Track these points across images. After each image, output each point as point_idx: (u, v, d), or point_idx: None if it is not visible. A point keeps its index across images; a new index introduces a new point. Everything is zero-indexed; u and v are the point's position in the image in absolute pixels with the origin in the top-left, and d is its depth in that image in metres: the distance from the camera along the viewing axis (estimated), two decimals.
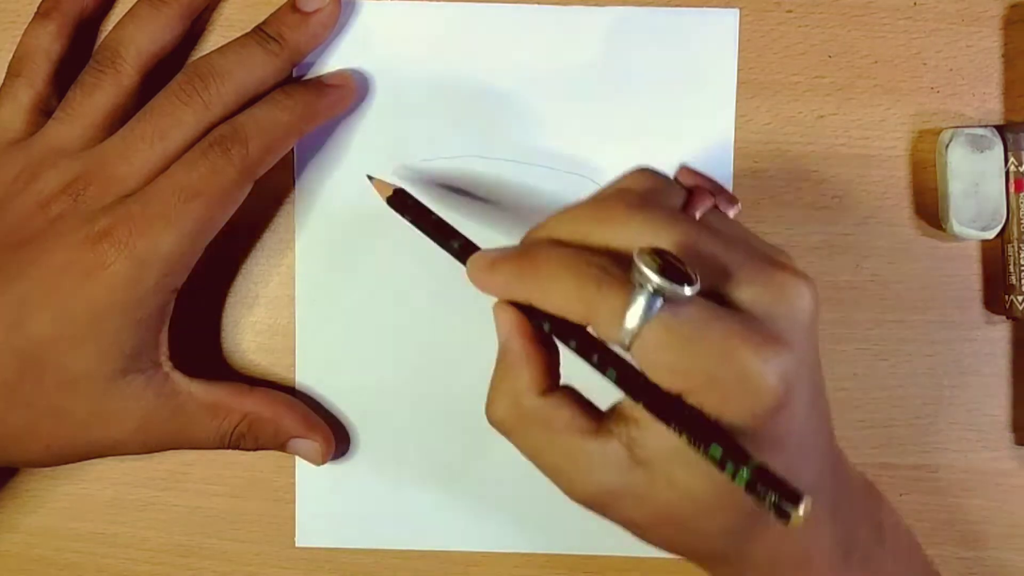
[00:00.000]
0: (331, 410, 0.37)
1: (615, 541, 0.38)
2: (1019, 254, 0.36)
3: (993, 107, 0.37)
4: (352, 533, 0.38)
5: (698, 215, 0.29)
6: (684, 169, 0.31)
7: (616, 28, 0.36)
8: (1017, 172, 0.36)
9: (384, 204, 0.36)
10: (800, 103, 0.37)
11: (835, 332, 0.37)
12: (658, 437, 0.26)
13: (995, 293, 0.37)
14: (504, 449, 0.37)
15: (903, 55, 0.37)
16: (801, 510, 0.23)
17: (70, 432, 0.32)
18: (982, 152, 0.36)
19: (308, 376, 0.37)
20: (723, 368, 0.25)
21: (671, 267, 0.25)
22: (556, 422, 0.28)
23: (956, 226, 0.36)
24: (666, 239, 0.26)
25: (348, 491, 0.37)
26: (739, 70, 0.36)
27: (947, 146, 0.36)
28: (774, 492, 0.23)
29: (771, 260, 0.28)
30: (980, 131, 0.36)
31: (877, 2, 0.36)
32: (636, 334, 0.25)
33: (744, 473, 0.24)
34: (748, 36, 0.36)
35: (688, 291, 0.25)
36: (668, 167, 0.36)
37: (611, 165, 0.36)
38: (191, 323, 0.37)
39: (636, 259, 0.25)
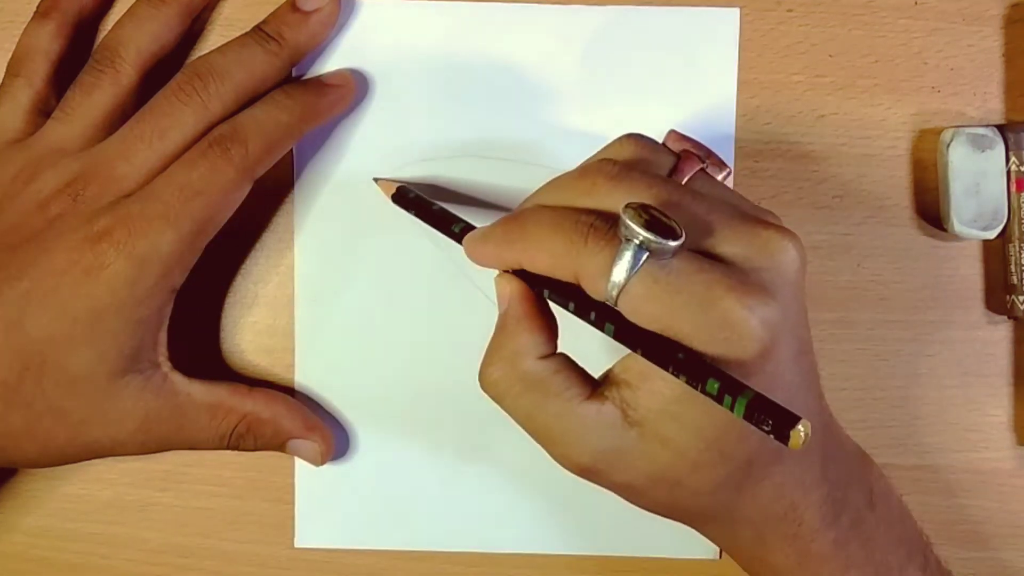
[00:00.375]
0: (331, 410, 0.37)
1: (615, 541, 0.38)
2: (1020, 254, 0.36)
3: (994, 106, 0.37)
4: (352, 533, 0.38)
5: (685, 180, 0.30)
6: (672, 133, 0.32)
7: (616, 28, 0.36)
8: (1018, 171, 0.36)
9: (383, 204, 0.36)
10: (800, 103, 0.37)
11: (835, 332, 0.37)
12: (650, 396, 0.28)
13: (996, 293, 0.37)
14: (504, 449, 0.37)
15: (904, 54, 0.37)
16: (801, 431, 0.23)
17: (69, 432, 0.32)
18: (983, 152, 0.35)
19: (308, 376, 0.37)
20: (708, 316, 0.26)
21: (656, 222, 0.26)
22: (552, 386, 0.29)
23: (957, 226, 0.36)
24: (649, 199, 0.27)
25: (348, 491, 0.37)
26: (739, 70, 0.36)
27: (948, 146, 0.36)
28: (771, 417, 0.24)
29: (756, 218, 0.28)
30: (981, 131, 0.36)
31: (878, 1, 0.36)
32: (623, 287, 0.26)
33: (742, 402, 0.24)
34: (748, 36, 0.36)
35: (673, 244, 0.26)
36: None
37: None
38: (191, 323, 0.37)
39: (622, 214, 0.26)
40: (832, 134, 0.37)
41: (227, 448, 0.34)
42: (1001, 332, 0.37)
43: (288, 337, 0.37)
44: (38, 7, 0.35)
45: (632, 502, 0.30)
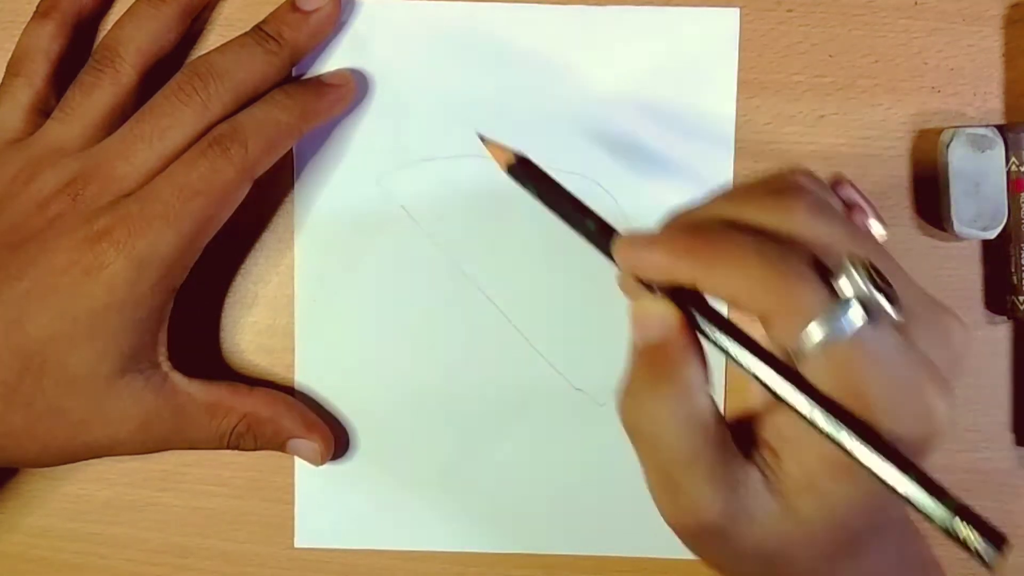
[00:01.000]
0: (331, 410, 0.37)
1: (615, 541, 0.38)
2: (1020, 254, 0.36)
3: (994, 107, 0.37)
4: (352, 533, 0.38)
5: None
6: (841, 180, 0.30)
7: (616, 28, 0.36)
8: (1018, 172, 0.36)
9: (383, 204, 0.36)
10: (800, 103, 0.37)
11: None
12: (797, 467, 0.25)
13: (996, 293, 0.37)
14: (504, 449, 0.37)
15: (904, 54, 0.37)
16: (1006, 552, 0.22)
17: (69, 432, 0.32)
18: (983, 152, 0.35)
19: (308, 376, 0.37)
20: (908, 399, 0.24)
21: (878, 284, 0.24)
22: (711, 430, 0.26)
23: (957, 226, 0.36)
24: (858, 251, 0.25)
25: (348, 491, 0.37)
26: (739, 70, 0.36)
27: (948, 146, 0.36)
28: (980, 530, 0.22)
29: (935, 301, 0.27)
30: (981, 131, 0.36)
31: (878, 1, 0.36)
32: (826, 343, 0.24)
33: (949, 505, 0.22)
34: (748, 35, 0.36)
35: (895, 313, 0.24)
36: (668, 167, 0.36)
37: (611, 165, 0.36)
38: (191, 323, 0.37)
39: (848, 263, 0.24)
40: (832, 134, 0.37)
41: (227, 448, 0.34)
42: (1001, 332, 0.37)
43: (288, 337, 0.37)
44: (38, 7, 0.35)
45: (719, 566, 0.28)
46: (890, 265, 0.26)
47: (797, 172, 0.28)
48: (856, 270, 0.24)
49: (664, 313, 0.26)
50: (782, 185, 0.27)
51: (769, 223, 0.26)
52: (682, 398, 0.26)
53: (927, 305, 0.26)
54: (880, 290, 0.24)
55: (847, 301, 0.24)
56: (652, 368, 0.26)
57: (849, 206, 0.29)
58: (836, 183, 0.30)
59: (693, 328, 0.26)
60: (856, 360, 0.24)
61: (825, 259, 0.25)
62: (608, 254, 0.27)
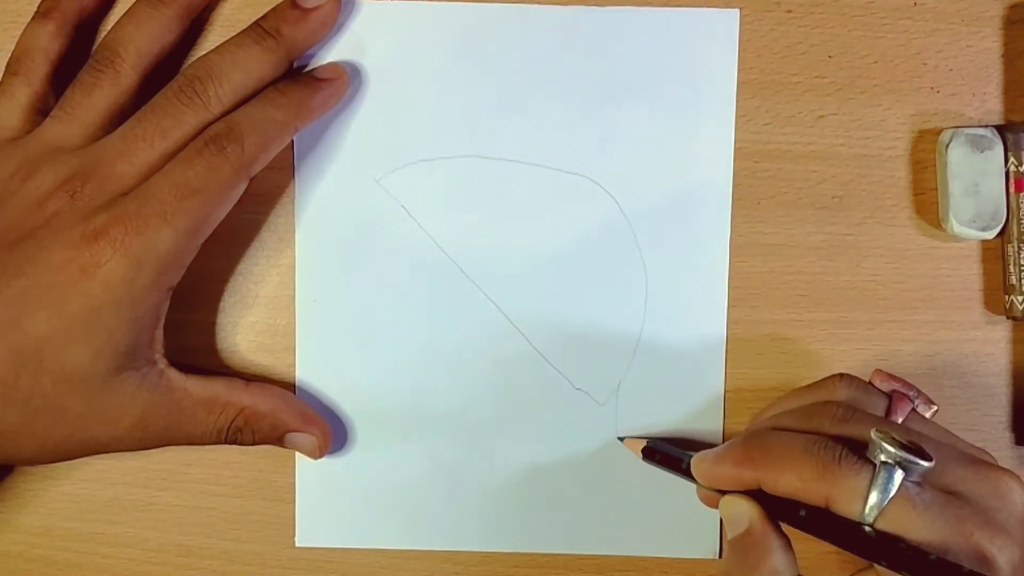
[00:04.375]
0: (331, 410, 0.37)
1: (615, 541, 0.38)
2: (1019, 254, 0.36)
3: (993, 107, 0.37)
4: (353, 533, 0.38)
5: (900, 420, 0.33)
6: (879, 373, 0.34)
7: (616, 28, 0.36)
8: (1017, 172, 0.36)
9: (383, 203, 0.36)
10: (800, 103, 0.37)
11: (835, 332, 0.37)
12: None
13: (995, 293, 0.37)
14: (504, 449, 0.37)
15: (903, 55, 0.37)
16: None
17: (66, 429, 0.32)
18: (982, 152, 0.36)
19: (308, 376, 0.37)
20: (961, 551, 0.27)
21: (905, 445, 0.28)
22: None
23: (956, 226, 0.36)
24: (888, 428, 0.29)
25: (348, 491, 0.37)
26: (739, 70, 0.36)
27: (947, 146, 0.36)
28: None
29: (978, 459, 0.31)
30: (980, 131, 0.36)
31: (877, 2, 0.36)
32: (882, 509, 0.28)
33: None
34: (748, 36, 0.36)
35: (927, 464, 0.28)
36: (668, 167, 0.37)
37: (611, 165, 0.36)
38: (191, 323, 0.37)
39: (874, 436, 0.29)
40: (832, 134, 0.37)
41: (225, 442, 0.34)
42: (1000, 332, 0.37)
43: (288, 337, 0.37)
44: (39, 7, 0.35)
45: None
46: (915, 437, 0.30)
47: (831, 383, 0.34)
48: (883, 439, 0.28)
49: (739, 507, 0.31)
50: (809, 405, 0.33)
51: (810, 428, 0.31)
52: None
53: (970, 463, 0.30)
54: (907, 449, 0.28)
55: (884, 466, 0.28)
56: (743, 556, 0.30)
57: (890, 396, 0.33)
58: (876, 377, 0.34)
59: (773, 518, 0.31)
60: (907, 512, 0.28)
61: (860, 442, 0.30)
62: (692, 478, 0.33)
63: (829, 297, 0.37)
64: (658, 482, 0.37)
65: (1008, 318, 0.37)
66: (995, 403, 0.37)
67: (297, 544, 0.38)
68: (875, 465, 0.29)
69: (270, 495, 0.38)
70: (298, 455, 0.37)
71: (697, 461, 0.32)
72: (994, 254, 0.37)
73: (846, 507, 0.29)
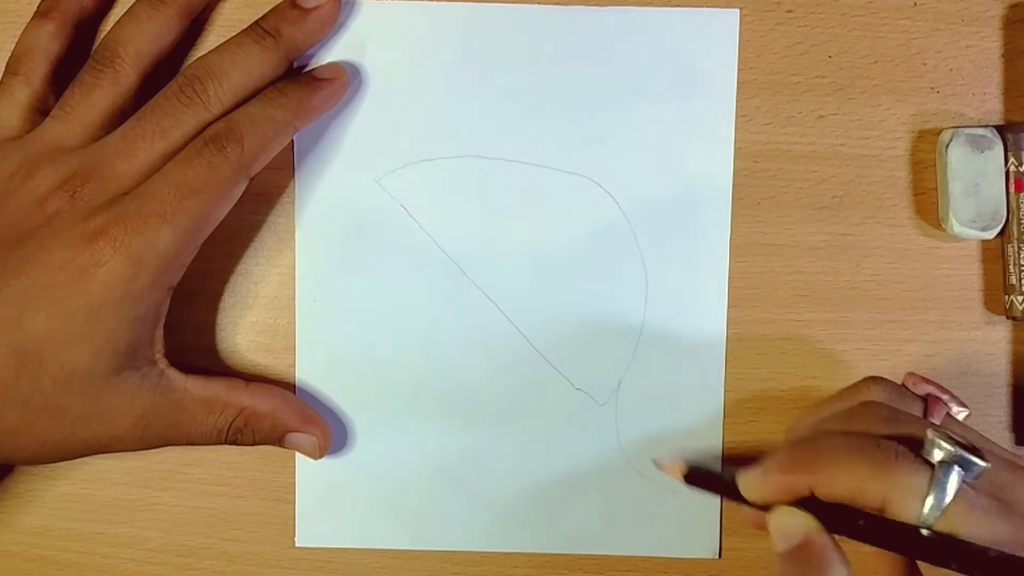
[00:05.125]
0: (331, 410, 0.37)
1: (615, 541, 0.38)
2: (1019, 254, 0.36)
3: (993, 107, 0.37)
4: (352, 533, 0.38)
5: (937, 422, 0.32)
6: (912, 376, 0.34)
7: (616, 28, 0.36)
8: (1017, 172, 0.36)
9: (383, 203, 0.36)
10: (800, 103, 0.37)
11: (835, 332, 0.37)
12: None
13: (995, 293, 0.37)
14: (504, 449, 0.37)
15: (903, 55, 0.37)
16: None
17: (66, 429, 0.32)
18: (982, 152, 0.36)
19: (308, 376, 0.37)
20: (1014, 550, 0.27)
21: (961, 443, 0.28)
22: None
23: (956, 226, 0.36)
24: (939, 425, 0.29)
25: (349, 491, 0.37)
26: (739, 70, 0.36)
27: (947, 146, 0.36)
28: None
29: (1020, 465, 0.30)
30: (980, 131, 0.36)
31: (877, 2, 0.36)
32: (943, 509, 0.27)
33: None
34: (748, 36, 0.36)
35: (983, 463, 0.28)
36: (668, 167, 0.37)
37: (611, 165, 0.36)
38: (191, 324, 0.37)
39: (931, 434, 0.28)
40: (832, 134, 0.37)
41: (225, 443, 0.34)
42: (1000, 332, 0.37)
43: (288, 337, 0.37)
44: (38, 7, 0.35)
45: None
46: (975, 437, 0.30)
47: (867, 386, 0.32)
48: (941, 437, 0.28)
49: (792, 520, 0.29)
50: (851, 407, 0.31)
51: (856, 430, 0.30)
52: None
53: (1010, 467, 0.29)
54: (963, 447, 0.28)
55: (941, 465, 0.27)
56: (801, 569, 0.29)
57: (926, 399, 0.33)
58: (909, 380, 0.34)
59: (828, 530, 0.29)
60: (965, 513, 0.27)
61: (910, 442, 0.29)
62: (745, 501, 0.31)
63: (829, 297, 0.37)
64: (658, 482, 0.37)
65: (1008, 318, 0.37)
66: (995, 403, 0.37)
67: (297, 544, 0.38)
68: (932, 465, 0.28)
69: (270, 495, 0.38)
70: (298, 455, 0.37)
71: (744, 477, 0.31)
72: (994, 254, 0.37)
73: (904, 508, 0.28)
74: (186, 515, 0.38)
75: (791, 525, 0.29)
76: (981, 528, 0.27)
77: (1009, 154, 0.36)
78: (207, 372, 0.35)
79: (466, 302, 0.37)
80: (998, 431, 0.38)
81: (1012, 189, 0.36)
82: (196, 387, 0.34)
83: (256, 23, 0.34)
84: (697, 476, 0.33)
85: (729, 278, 0.37)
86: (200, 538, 0.38)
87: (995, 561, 0.27)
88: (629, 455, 0.37)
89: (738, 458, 0.37)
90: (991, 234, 0.36)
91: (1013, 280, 0.36)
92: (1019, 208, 0.36)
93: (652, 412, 0.37)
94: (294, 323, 0.37)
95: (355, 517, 0.38)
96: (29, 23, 0.35)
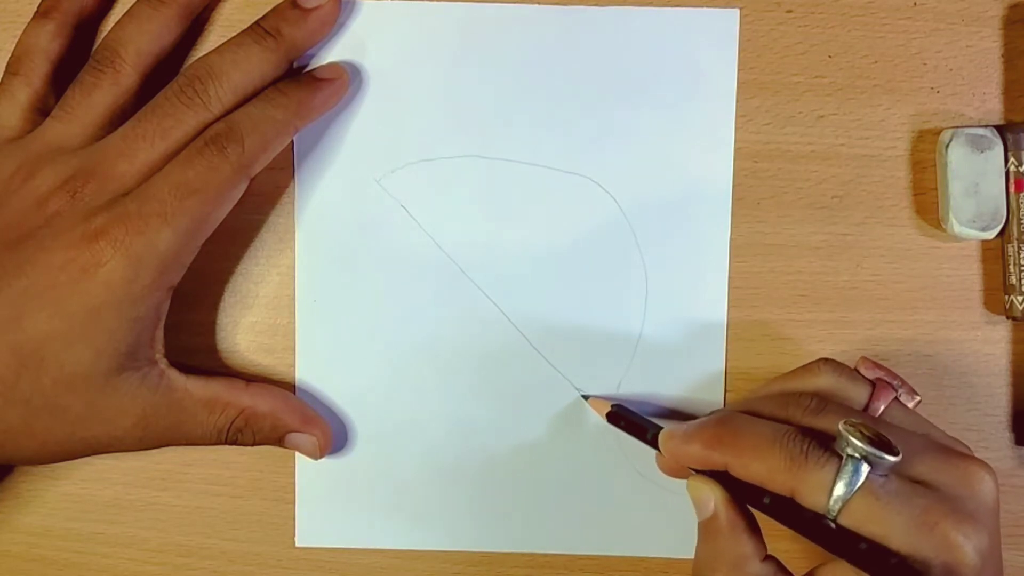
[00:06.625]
0: (332, 410, 0.37)
1: (615, 541, 0.38)
2: (1019, 254, 0.36)
3: (993, 107, 0.37)
4: (352, 533, 0.38)
5: (882, 407, 0.33)
6: (865, 361, 0.34)
7: (616, 28, 0.36)
8: (1017, 172, 0.36)
9: (383, 203, 0.36)
10: (800, 103, 0.37)
11: (835, 332, 0.37)
12: None
13: (995, 293, 0.37)
14: (504, 449, 0.37)
15: (903, 55, 0.37)
16: None
17: (66, 429, 0.32)
18: (982, 152, 0.36)
19: (308, 376, 0.37)
20: (925, 538, 0.28)
21: (873, 439, 0.28)
22: None
23: (956, 226, 0.36)
24: (858, 421, 0.29)
25: (348, 491, 0.37)
26: (739, 70, 0.36)
27: (947, 146, 0.36)
28: None
29: (953, 449, 0.31)
30: (980, 131, 0.36)
31: (877, 2, 0.36)
32: (846, 502, 0.28)
33: None
34: (748, 36, 0.36)
35: (892, 459, 0.28)
36: (668, 167, 0.37)
37: (611, 165, 0.36)
38: (191, 324, 0.37)
39: (842, 429, 0.29)
40: (832, 134, 0.37)
41: (225, 443, 0.34)
42: (1000, 332, 0.37)
43: (288, 337, 0.37)
44: (39, 7, 0.35)
45: None
46: (885, 427, 0.31)
47: (814, 369, 0.34)
48: (851, 433, 0.28)
49: (707, 490, 0.31)
50: (786, 393, 0.33)
51: (783, 416, 0.31)
52: (741, 564, 0.30)
53: (942, 453, 0.30)
54: (874, 444, 0.28)
55: (850, 459, 0.28)
56: (712, 541, 0.31)
57: (874, 384, 0.33)
58: (861, 364, 0.34)
59: (740, 501, 0.31)
60: (870, 504, 0.28)
61: (830, 435, 0.30)
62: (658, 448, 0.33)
63: (829, 297, 0.37)
64: (658, 482, 0.37)
65: (1008, 318, 0.37)
66: (995, 403, 0.37)
67: (297, 544, 0.38)
68: (841, 458, 0.29)
69: (270, 495, 0.38)
70: (298, 455, 0.37)
71: (666, 437, 0.33)
72: (994, 254, 0.37)
73: (811, 499, 0.29)
74: (186, 515, 0.38)
75: (703, 496, 0.31)
76: (885, 517, 0.28)
77: (1009, 154, 0.36)
78: (207, 372, 0.35)
79: (466, 302, 0.37)
80: (998, 431, 0.38)
81: (1012, 189, 0.36)
82: (196, 387, 0.34)
83: (256, 23, 0.34)
84: (620, 418, 0.35)
85: (729, 278, 0.37)
86: (200, 538, 0.38)
87: (890, 568, 0.27)
88: (629, 455, 0.37)
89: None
90: (991, 234, 0.36)
91: (1013, 280, 0.36)
92: (1019, 208, 0.36)
93: (652, 412, 0.37)
94: (294, 323, 0.37)
95: (355, 517, 0.38)
96: (29, 23, 0.35)
